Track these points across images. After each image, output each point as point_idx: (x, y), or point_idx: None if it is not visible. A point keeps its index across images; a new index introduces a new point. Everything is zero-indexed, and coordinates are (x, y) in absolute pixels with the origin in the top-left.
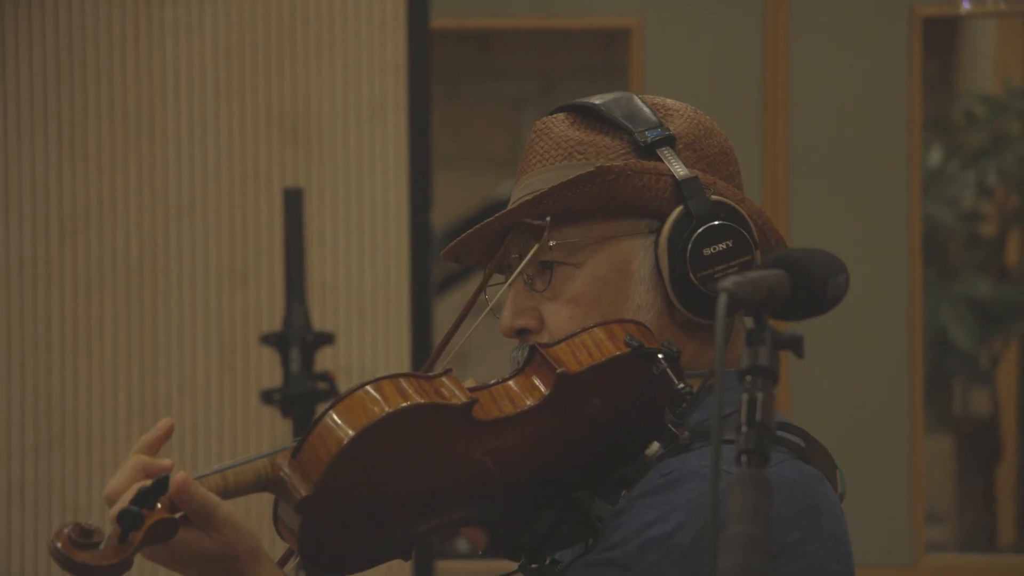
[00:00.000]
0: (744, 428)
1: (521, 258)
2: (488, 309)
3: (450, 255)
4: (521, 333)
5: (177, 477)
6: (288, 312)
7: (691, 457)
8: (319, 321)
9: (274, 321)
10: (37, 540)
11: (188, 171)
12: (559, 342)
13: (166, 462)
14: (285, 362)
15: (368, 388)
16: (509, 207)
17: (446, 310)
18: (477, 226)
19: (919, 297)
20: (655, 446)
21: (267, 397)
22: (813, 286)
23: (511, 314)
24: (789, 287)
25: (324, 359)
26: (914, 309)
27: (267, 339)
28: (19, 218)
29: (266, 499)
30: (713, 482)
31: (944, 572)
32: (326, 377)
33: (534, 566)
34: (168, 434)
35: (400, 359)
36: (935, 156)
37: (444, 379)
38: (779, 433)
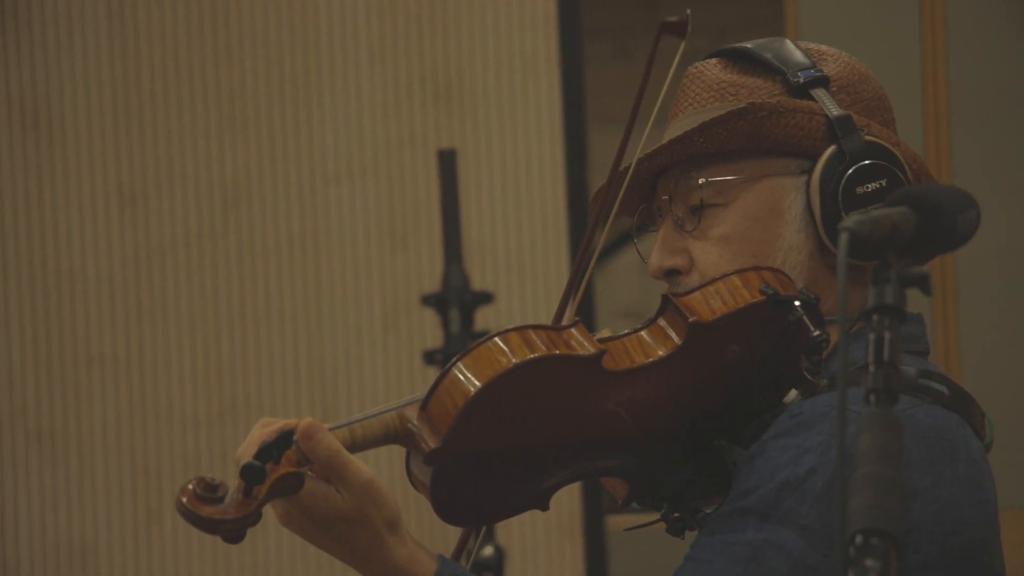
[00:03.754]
0: (872, 367)
1: (671, 199)
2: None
3: (597, 205)
4: (670, 274)
5: (303, 421)
6: (446, 273)
7: (821, 399)
8: (479, 280)
9: (436, 282)
10: None
11: (345, 136)
12: (692, 291)
13: (292, 421)
14: (445, 322)
15: (496, 339)
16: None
17: (606, 266)
18: (623, 167)
19: None
20: (793, 394)
21: (429, 357)
22: (942, 222)
23: (660, 255)
24: (916, 224)
25: (485, 318)
26: None
27: (427, 300)
28: (183, 193)
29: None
30: (840, 424)
31: None
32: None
33: (676, 515)
34: None
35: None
36: None
37: (573, 330)
38: (922, 381)
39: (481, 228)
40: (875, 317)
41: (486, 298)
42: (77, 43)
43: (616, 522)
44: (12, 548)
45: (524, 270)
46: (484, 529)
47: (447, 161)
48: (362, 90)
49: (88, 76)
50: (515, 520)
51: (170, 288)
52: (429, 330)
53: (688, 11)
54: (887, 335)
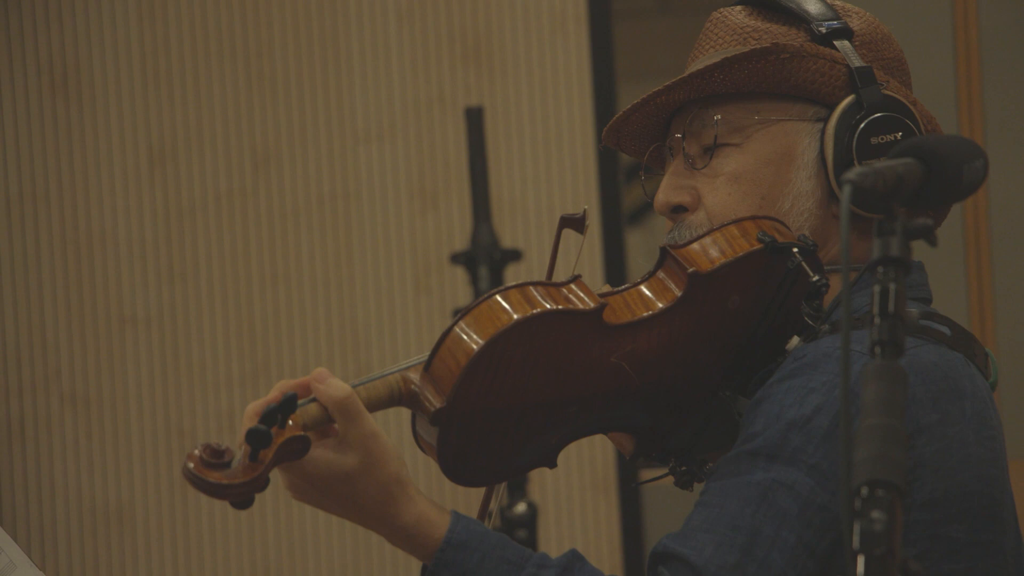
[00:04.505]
0: (877, 319)
1: (684, 137)
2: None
3: (611, 138)
4: (676, 210)
5: (316, 370)
6: (475, 231)
7: (824, 341)
8: (511, 238)
9: (466, 240)
10: None
11: (375, 97)
12: (690, 242)
13: (292, 382)
14: (474, 280)
15: (496, 297)
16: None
17: (640, 224)
18: (640, 99)
19: None
20: (795, 340)
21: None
22: (948, 172)
23: (667, 191)
24: (921, 175)
25: (515, 275)
26: None
27: (456, 258)
28: (213, 154)
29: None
30: (844, 375)
31: None
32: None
33: (683, 468)
34: None
35: (593, 271)
36: None
37: (573, 285)
38: (923, 322)
39: (511, 186)
40: (880, 269)
41: (515, 256)
42: (105, 5)
43: (651, 477)
44: (49, 510)
45: (554, 227)
46: (505, 487)
47: (474, 119)
48: (391, 50)
49: (117, 38)
50: (548, 476)
51: (201, 249)
52: (460, 288)
53: (585, 207)
54: (892, 287)
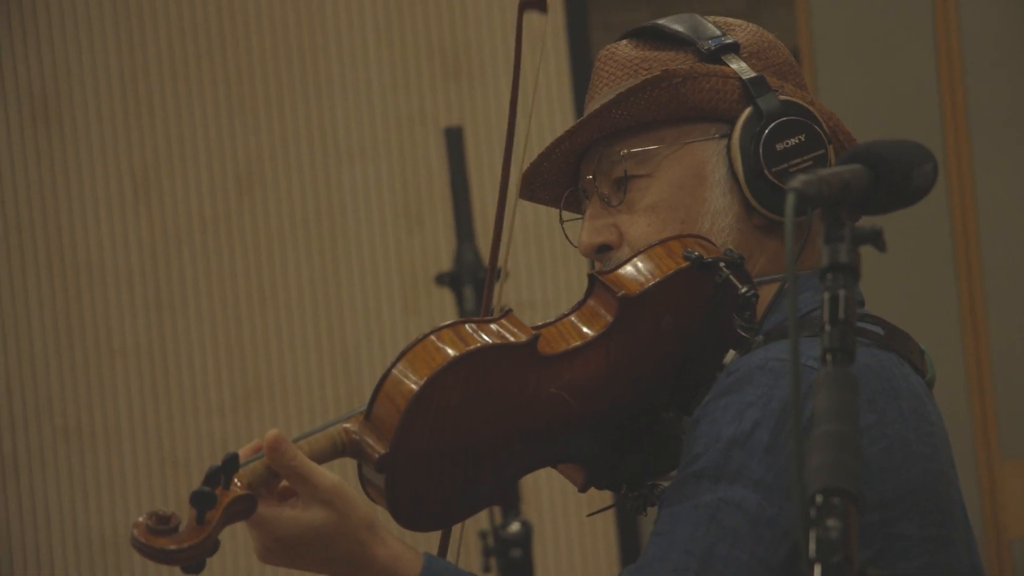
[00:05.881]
0: (827, 327)
1: (595, 178)
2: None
3: (524, 191)
4: (601, 250)
5: (269, 435)
6: (458, 251)
7: (755, 354)
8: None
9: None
10: None
11: (356, 116)
12: (617, 267)
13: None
14: (459, 301)
15: (430, 338)
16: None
17: None
18: (545, 149)
19: None
20: (731, 354)
21: None
22: (896, 177)
23: (589, 233)
24: (868, 181)
25: (505, 294)
26: None
27: (440, 279)
28: (196, 179)
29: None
30: (794, 384)
31: None
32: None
33: (635, 494)
34: None
35: (580, 282)
36: None
37: (504, 320)
38: (856, 324)
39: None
40: (829, 276)
41: (498, 275)
42: (84, 32)
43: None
44: (45, 542)
45: (542, 244)
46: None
47: (454, 139)
48: (370, 69)
49: (96, 65)
50: (544, 494)
51: (188, 275)
52: (449, 307)
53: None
54: (842, 293)
